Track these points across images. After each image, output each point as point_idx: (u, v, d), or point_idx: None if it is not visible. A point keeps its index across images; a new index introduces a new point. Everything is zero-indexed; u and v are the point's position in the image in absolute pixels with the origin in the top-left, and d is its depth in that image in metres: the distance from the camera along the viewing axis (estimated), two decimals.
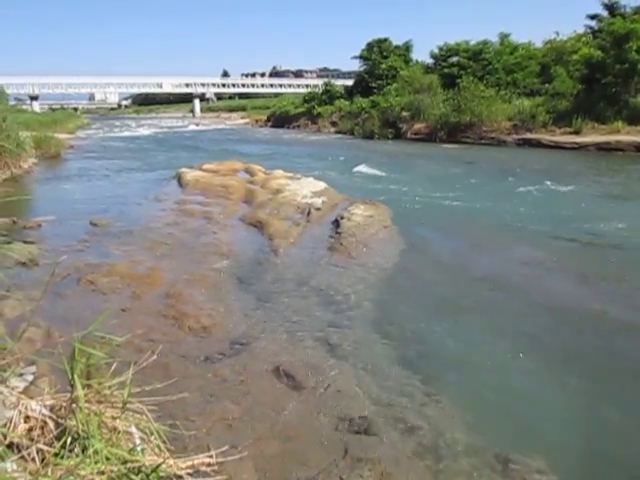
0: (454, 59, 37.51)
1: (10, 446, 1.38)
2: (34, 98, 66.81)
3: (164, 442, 1.85)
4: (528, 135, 26.82)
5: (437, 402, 3.91)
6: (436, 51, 39.69)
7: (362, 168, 17.97)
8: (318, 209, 9.85)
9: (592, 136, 24.42)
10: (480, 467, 3.25)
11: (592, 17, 31.43)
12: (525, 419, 3.89)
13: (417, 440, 3.45)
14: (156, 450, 1.74)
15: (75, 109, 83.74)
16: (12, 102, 43.34)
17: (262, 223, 8.97)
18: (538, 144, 25.66)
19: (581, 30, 33.66)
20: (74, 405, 1.54)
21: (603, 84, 25.86)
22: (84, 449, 1.45)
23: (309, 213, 9.53)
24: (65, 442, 1.45)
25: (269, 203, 10.30)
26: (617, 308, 5.78)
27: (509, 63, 35.18)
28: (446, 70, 36.49)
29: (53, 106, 78.67)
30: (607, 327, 5.39)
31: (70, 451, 1.44)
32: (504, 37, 38.03)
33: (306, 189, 11.26)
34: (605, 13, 30.11)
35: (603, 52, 25.98)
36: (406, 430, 3.55)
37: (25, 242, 7.23)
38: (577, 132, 25.18)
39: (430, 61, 40.88)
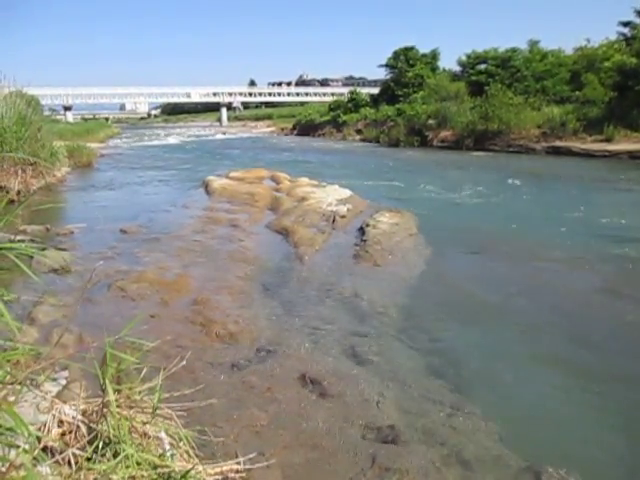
0: (482, 66, 37.15)
1: (45, 449, 1.40)
2: (68, 108, 68.41)
3: (193, 448, 1.85)
4: (557, 143, 26.38)
5: (465, 412, 3.85)
6: (464, 58, 39.40)
7: (387, 175, 17.91)
8: (343, 216, 9.85)
9: (624, 144, 23.90)
10: (510, 479, 3.19)
11: (625, 24, 30.88)
12: (557, 431, 3.80)
13: (445, 450, 3.39)
14: (185, 456, 1.75)
15: (106, 119, 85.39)
16: (46, 112, 44.51)
17: (287, 230, 9.00)
18: (568, 152, 25.21)
19: (613, 37, 33.11)
20: (105, 410, 1.56)
21: (636, 91, 25.32)
22: (115, 454, 1.46)
23: (334, 220, 9.53)
24: (97, 446, 1.47)
25: (294, 210, 10.33)
26: None
27: (538, 70, 34.68)
28: (474, 78, 36.17)
29: (85, 116, 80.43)
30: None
31: (102, 455, 1.46)
32: (533, 44, 37.55)
33: (331, 196, 11.27)
34: (638, 20, 29.58)
35: (637, 59, 25.48)
36: (434, 440, 3.50)
37: (58, 249, 7.38)
38: (609, 140, 24.68)
39: (457, 69, 40.68)
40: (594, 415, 4.01)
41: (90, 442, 1.50)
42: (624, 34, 31.34)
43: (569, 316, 5.79)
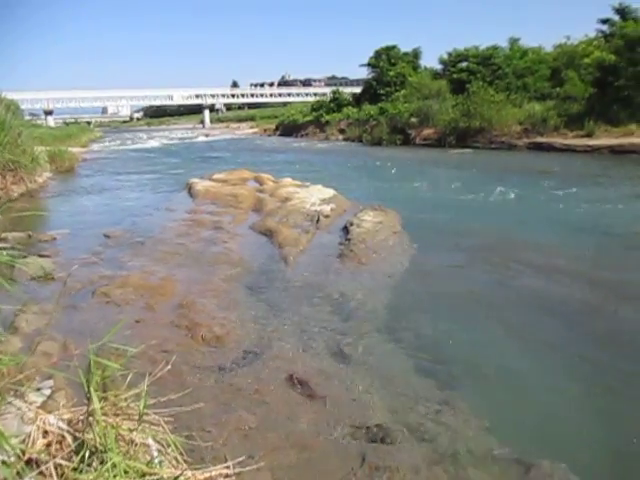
0: (463, 64, 37.41)
1: (29, 462, 1.38)
2: (48, 113, 67.70)
3: (181, 454, 1.84)
4: (539, 139, 26.66)
5: (454, 408, 3.87)
6: (445, 57, 39.67)
7: (369, 174, 17.96)
8: (327, 216, 9.86)
9: (605, 139, 24.24)
10: (501, 474, 3.21)
11: (604, 21, 31.35)
12: (545, 424, 3.84)
13: (435, 447, 3.41)
14: (173, 462, 1.74)
15: (88, 123, 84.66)
16: (27, 117, 43.98)
17: (272, 231, 8.99)
18: (550, 148, 25.48)
19: (592, 34, 33.57)
20: (91, 418, 1.54)
21: (616, 87, 25.72)
22: (102, 462, 1.45)
23: (318, 220, 9.54)
24: (83, 456, 1.45)
25: (278, 211, 10.33)
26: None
27: (519, 67, 35.01)
28: (455, 75, 36.41)
29: (67, 120, 79.74)
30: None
31: (88, 465, 1.44)
32: (514, 42, 37.87)
33: (315, 196, 11.28)
34: (617, 17, 30.03)
35: (616, 55, 25.88)
36: (424, 437, 3.51)
37: (40, 256, 7.29)
38: (589, 135, 25.02)
39: (439, 67, 40.94)
40: (580, 405, 4.06)
41: (76, 452, 1.49)
42: (603, 31, 31.83)
43: (553, 310, 5.85)
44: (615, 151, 22.91)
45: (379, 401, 3.93)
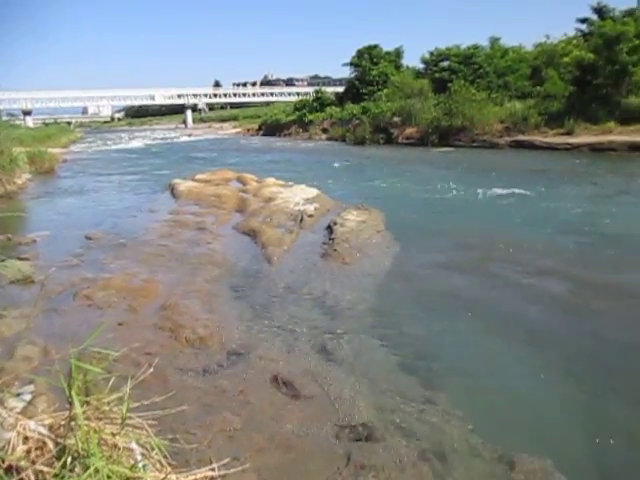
0: (445, 63, 37.70)
1: (9, 469, 1.36)
2: (27, 113, 66.76)
3: (165, 457, 1.83)
4: (520, 137, 26.93)
5: (437, 406, 3.90)
6: (427, 56, 39.93)
7: (353, 173, 18.01)
8: (311, 216, 9.87)
9: (585, 137, 24.56)
10: (485, 470, 3.25)
11: (582, 20, 31.85)
12: (526, 419, 3.88)
13: (420, 445, 3.43)
14: (158, 466, 1.73)
15: (68, 123, 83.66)
16: (5, 118, 43.30)
17: (255, 231, 8.97)
18: (531, 146, 25.76)
19: (571, 33, 34.06)
20: (73, 423, 1.52)
21: (595, 85, 26.11)
22: (85, 468, 1.43)
23: (302, 220, 9.54)
24: (65, 462, 1.44)
25: (262, 211, 10.31)
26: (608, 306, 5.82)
27: (500, 66, 35.37)
28: (437, 75, 36.67)
29: (46, 121, 78.63)
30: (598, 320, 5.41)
31: (71, 470, 1.42)
32: (494, 41, 38.24)
33: (298, 196, 11.28)
34: (595, 17, 30.51)
35: (594, 54, 26.26)
36: (408, 435, 3.54)
37: (20, 259, 7.20)
38: (569, 133, 25.35)
39: (421, 66, 41.16)
40: (561, 402, 4.11)
41: (58, 457, 1.47)
42: (582, 30, 32.34)
43: (534, 308, 5.91)
44: (595, 149, 23.23)
45: (364, 400, 3.94)
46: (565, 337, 5.20)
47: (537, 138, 26.14)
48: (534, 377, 4.47)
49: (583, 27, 32.07)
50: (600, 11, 30.11)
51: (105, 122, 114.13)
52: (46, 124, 67.94)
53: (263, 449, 3.34)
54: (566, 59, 28.65)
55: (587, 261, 7.62)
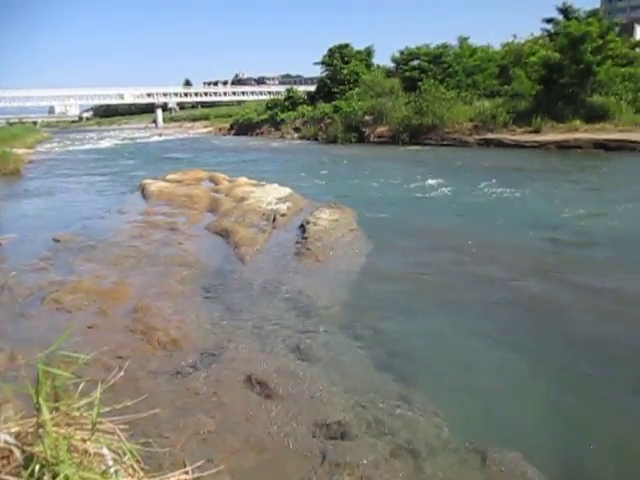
0: (415, 63, 37.94)
1: None
2: None
3: (138, 461, 1.80)
4: (489, 135, 27.35)
5: (412, 402, 3.93)
6: (397, 55, 40.13)
7: (325, 172, 18.04)
8: (283, 215, 9.85)
9: (551, 135, 25.10)
10: (459, 463, 3.29)
11: (548, 21, 32.65)
12: (498, 414, 3.95)
13: (394, 441, 3.46)
14: (130, 470, 1.70)
15: (34, 123, 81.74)
16: None
17: (228, 231, 8.91)
18: (499, 144, 26.20)
19: (538, 33, 34.75)
20: (41, 430, 1.49)
21: (560, 84, 26.71)
22: (54, 476, 1.40)
23: (274, 219, 9.52)
24: (33, 470, 1.40)
25: (234, 211, 10.24)
26: (581, 301, 5.94)
27: (469, 66, 35.81)
28: (407, 74, 36.89)
29: (11, 120, 76.59)
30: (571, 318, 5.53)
31: (39, 479, 1.39)
32: (463, 40, 38.68)
33: (271, 195, 11.25)
34: (560, 17, 31.20)
35: (560, 54, 26.83)
36: (382, 432, 3.56)
37: None
38: (537, 131, 25.87)
39: (392, 65, 41.36)
40: (533, 397, 4.19)
41: (25, 466, 1.43)
42: (548, 30, 33.07)
43: (506, 305, 6.01)
44: (561, 146, 23.76)
45: (338, 398, 3.96)
46: (538, 333, 5.30)
47: (505, 136, 26.61)
48: (507, 373, 4.55)
49: (549, 27, 32.90)
50: (565, 11, 30.84)
51: (73, 122, 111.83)
52: (10, 124, 66.17)
53: (237, 450, 3.32)
54: (533, 58, 29.23)
55: (561, 259, 7.78)
